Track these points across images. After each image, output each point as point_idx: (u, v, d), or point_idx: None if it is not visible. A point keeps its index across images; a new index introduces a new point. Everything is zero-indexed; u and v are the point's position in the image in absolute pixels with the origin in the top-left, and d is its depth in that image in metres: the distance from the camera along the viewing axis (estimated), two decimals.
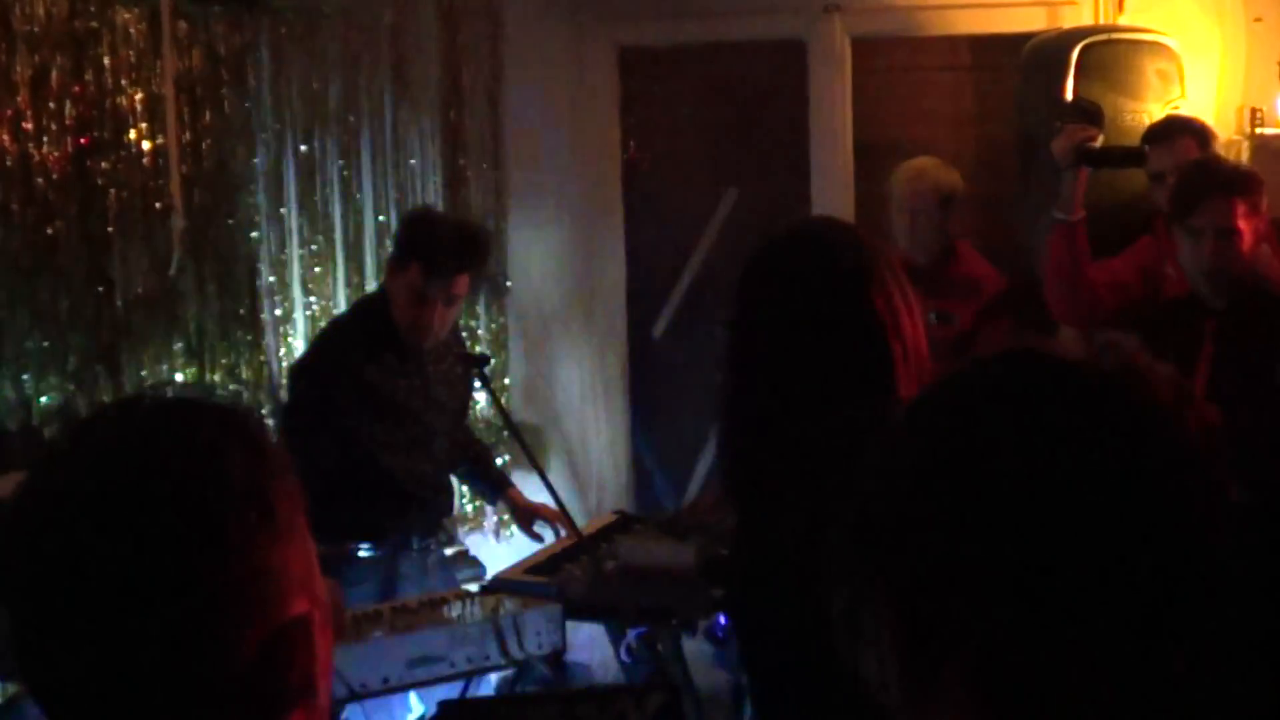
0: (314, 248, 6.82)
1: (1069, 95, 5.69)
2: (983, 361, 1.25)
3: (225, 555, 1.26)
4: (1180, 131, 5.27)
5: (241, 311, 6.71)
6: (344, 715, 5.35)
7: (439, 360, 4.94)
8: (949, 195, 5.82)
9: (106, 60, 6.10)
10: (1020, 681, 1.13)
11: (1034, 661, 1.13)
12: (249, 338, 6.73)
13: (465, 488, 5.82)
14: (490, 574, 4.81)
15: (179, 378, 6.33)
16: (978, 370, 1.24)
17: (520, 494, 5.30)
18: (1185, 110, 5.79)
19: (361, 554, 4.80)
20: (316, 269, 6.82)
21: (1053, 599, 1.12)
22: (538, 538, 5.07)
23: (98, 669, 1.24)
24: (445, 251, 4.72)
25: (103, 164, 6.10)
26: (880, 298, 2.62)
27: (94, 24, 6.05)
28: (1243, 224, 4.57)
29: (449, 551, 5.15)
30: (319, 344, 5.12)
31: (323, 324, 6.27)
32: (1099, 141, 5.18)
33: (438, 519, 5.07)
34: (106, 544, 1.24)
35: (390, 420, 4.74)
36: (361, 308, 5.20)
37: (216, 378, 6.56)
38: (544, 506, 5.12)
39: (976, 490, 1.14)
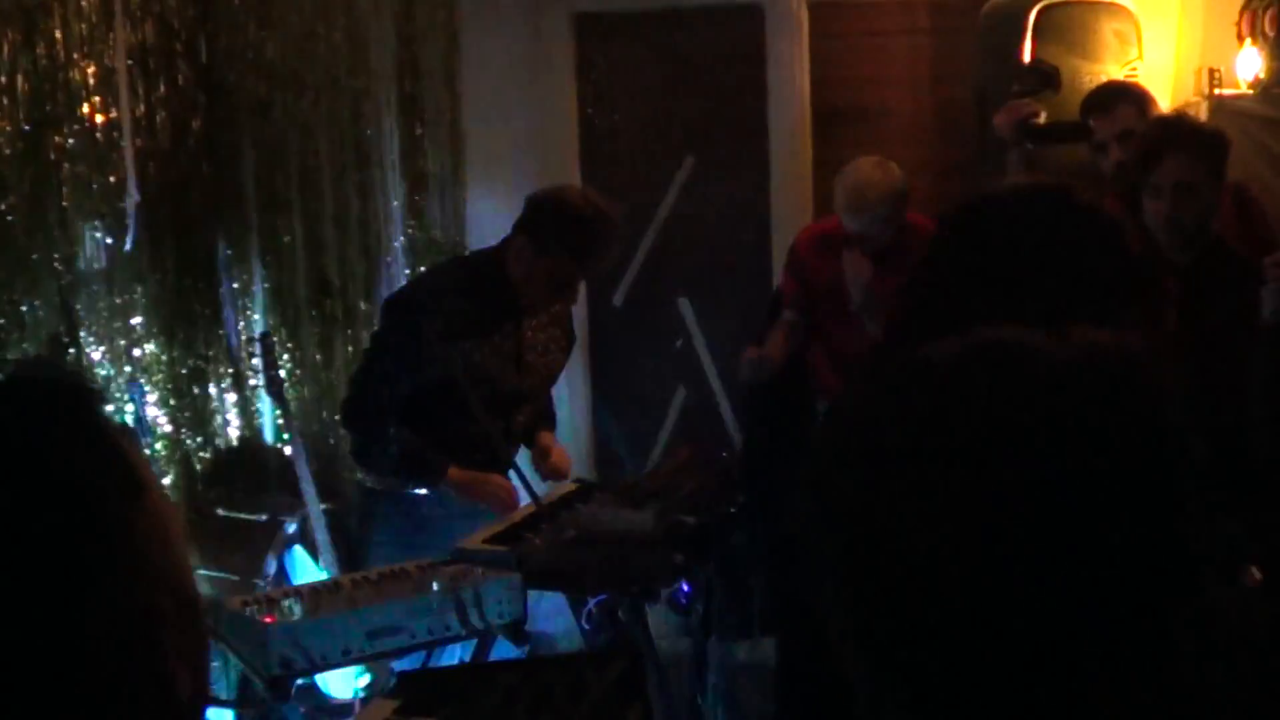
0: (271, 219, 6.79)
1: (1026, 58, 5.69)
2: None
3: (45, 545, 1.18)
4: (1119, 99, 5.25)
5: (200, 285, 6.68)
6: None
7: (539, 328, 5.05)
8: (894, 212, 5.50)
9: (58, 33, 6.04)
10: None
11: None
12: (207, 311, 6.70)
13: None
14: None
15: (137, 353, 6.30)
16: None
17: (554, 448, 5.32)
18: (1143, 72, 5.80)
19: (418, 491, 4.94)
20: (277, 240, 6.80)
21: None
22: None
23: None
24: (605, 251, 4.88)
25: (56, 138, 6.05)
26: None
27: None
28: (1202, 179, 4.57)
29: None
30: (420, 278, 5.48)
31: (282, 297, 6.28)
32: (1043, 117, 5.19)
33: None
34: None
35: (472, 371, 4.78)
36: (470, 259, 5.32)
37: (175, 353, 6.53)
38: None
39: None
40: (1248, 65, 5.54)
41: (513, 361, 4.95)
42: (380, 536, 5.04)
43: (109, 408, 5.37)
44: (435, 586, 3.99)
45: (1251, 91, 5.54)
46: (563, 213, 4.83)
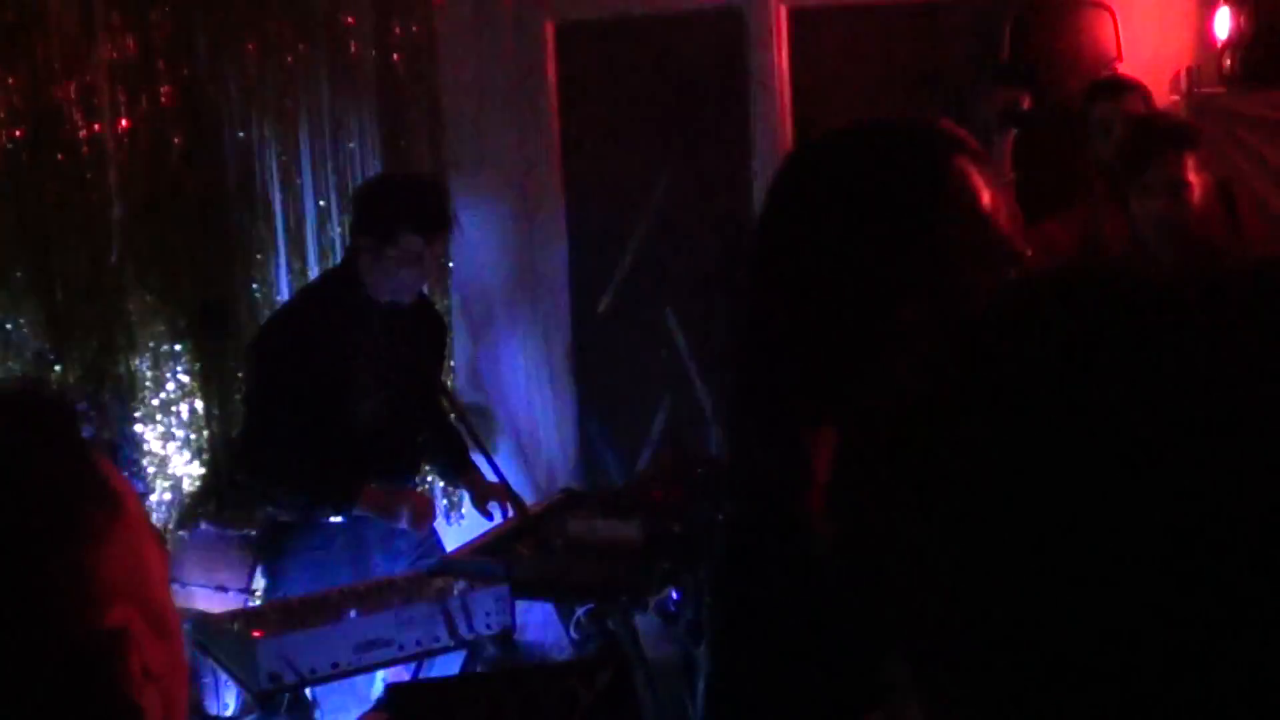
0: (254, 234, 6.79)
1: (1005, 59, 5.71)
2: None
3: (11, 558, 1.17)
4: (1127, 88, 5.29)
5: (184, 300, 6.67)
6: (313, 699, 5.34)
7: (405, 324, 5.02)
8: None
9: (40, 50, 6.04)
10: None
11: None
12: (192, 326, 6.69)
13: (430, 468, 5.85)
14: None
15: (121, 369, 6.29)
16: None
17: (481, 476, 5.31)
18: (1122, 71, 5.82)
19: (331, 520, 4.86)
20: (258, 256, 6.79)
21: None
22: (488, 515, 5.09)
23: None
24: (434, 212, 4.82)
25: (39, 155, 6.04)
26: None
27: (26, 13, 5.99)
28: (1193, 177, 4.58)
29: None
30: (277, 317, 5.29)
31: (266, 312, 6.26)
32: (1027, 104, 5.21)
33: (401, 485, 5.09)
34: None
35: (354, 384, 4.78)
36: (320, 282, 5.34)
37: (161, 368, 6.52)
38: (497, 486, 5.14)
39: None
40: (1222, 25, 5.60)
41: (391, 367, 4.94)
42: (289, 569, 4.95)
43: (86, 426, 5.37)
44: (424, 597, 4.00)
45: (1223, 89, 5.58)
46: (388, 189, 4.97)
